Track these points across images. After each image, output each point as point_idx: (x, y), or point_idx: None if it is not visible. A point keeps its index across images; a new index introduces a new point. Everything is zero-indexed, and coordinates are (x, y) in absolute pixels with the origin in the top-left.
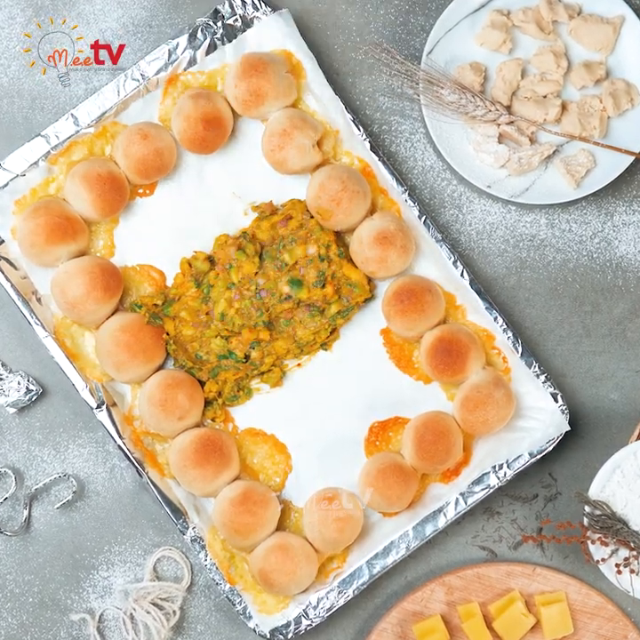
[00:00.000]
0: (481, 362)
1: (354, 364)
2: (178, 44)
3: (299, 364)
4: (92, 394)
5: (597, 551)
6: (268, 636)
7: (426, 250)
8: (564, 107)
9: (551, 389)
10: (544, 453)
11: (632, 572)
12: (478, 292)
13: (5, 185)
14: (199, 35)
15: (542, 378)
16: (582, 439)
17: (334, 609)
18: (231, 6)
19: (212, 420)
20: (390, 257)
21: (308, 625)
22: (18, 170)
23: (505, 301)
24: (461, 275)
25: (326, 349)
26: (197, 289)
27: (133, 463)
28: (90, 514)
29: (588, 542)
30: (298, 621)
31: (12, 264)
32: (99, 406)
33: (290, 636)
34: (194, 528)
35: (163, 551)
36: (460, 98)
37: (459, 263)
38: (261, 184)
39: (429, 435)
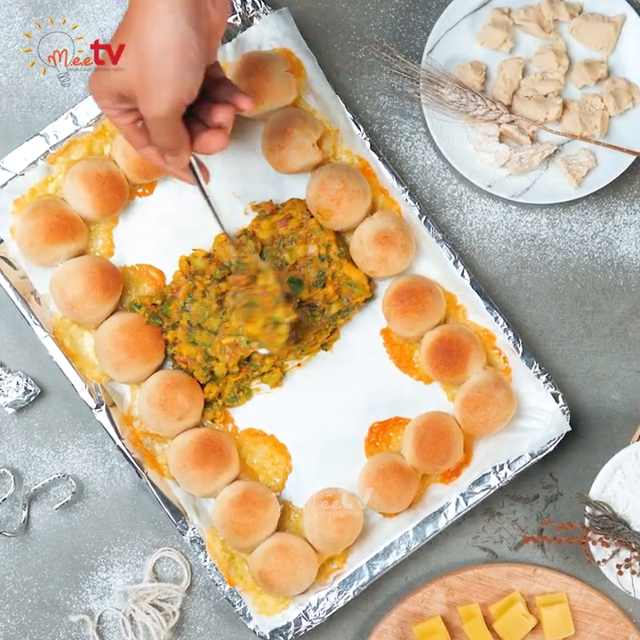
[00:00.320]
0: (482, 362)
1: (354, 364)
2: None
3: (299, 364)
4: (91, 394)
5: (598, 552)
6: (268, 638)
7: (426, 249)
8: (565, 106)
9: (552, 390)
10: (545, 454)
11: (633, 573)
12: (479, 292)
13: (4, 184)
14: None
15: (543, 378)
16: (583, 439)
17: (334, 610)
18: (231, 5)
19: (212, 421)
20: (390, 257)
21: (308, 626)
22: (17, 169)
23: (506, 301)
24: (462, 274)
25: (326, 349)
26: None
27: (133, 464)
28: (89, 514)
29: (589, 543)
30: (298, 622)
31: (10, 264)
32: (98, 406)
33: (290, 637)
34: (193, 529)
35: (162, 552)
36: (460, 97)
37: (459, 263)
38: (261, 183)
39: (430, 435)
